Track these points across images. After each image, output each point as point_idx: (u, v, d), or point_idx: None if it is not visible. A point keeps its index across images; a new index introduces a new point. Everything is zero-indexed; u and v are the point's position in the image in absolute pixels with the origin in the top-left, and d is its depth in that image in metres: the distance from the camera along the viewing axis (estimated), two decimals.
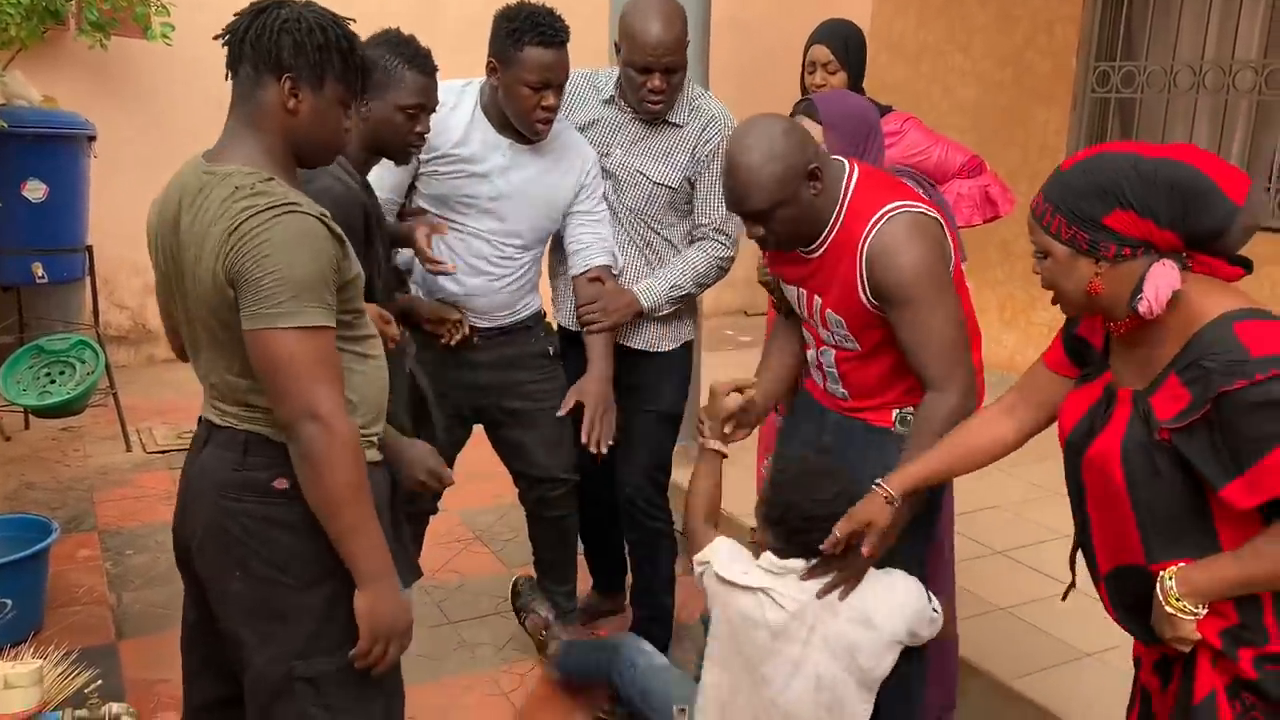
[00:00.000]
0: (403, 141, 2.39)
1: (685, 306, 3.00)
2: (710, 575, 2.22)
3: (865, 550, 2.06)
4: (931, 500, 2.29)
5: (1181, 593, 1.62)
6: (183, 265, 1.67)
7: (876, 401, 2.32)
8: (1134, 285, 1.59)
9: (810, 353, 2.43)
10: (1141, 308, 1.57)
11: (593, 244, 2.86)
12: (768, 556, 2.16)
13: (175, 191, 1.70)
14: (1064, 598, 1.98)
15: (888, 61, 6.60)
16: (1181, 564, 1.63)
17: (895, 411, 2.31)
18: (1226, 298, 1.58)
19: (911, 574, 2.21)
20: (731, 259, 2.93)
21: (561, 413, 2.80)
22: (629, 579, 3.38)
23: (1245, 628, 1.65)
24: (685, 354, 3.03)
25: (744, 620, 2.16)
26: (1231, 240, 1.57)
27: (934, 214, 2.18)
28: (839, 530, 2.05)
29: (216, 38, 1.73)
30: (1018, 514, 4.02)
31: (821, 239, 2.20)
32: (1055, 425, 1.87)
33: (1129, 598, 1.74)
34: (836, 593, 2.11)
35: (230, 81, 1.73)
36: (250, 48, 1.67)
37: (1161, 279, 1.56)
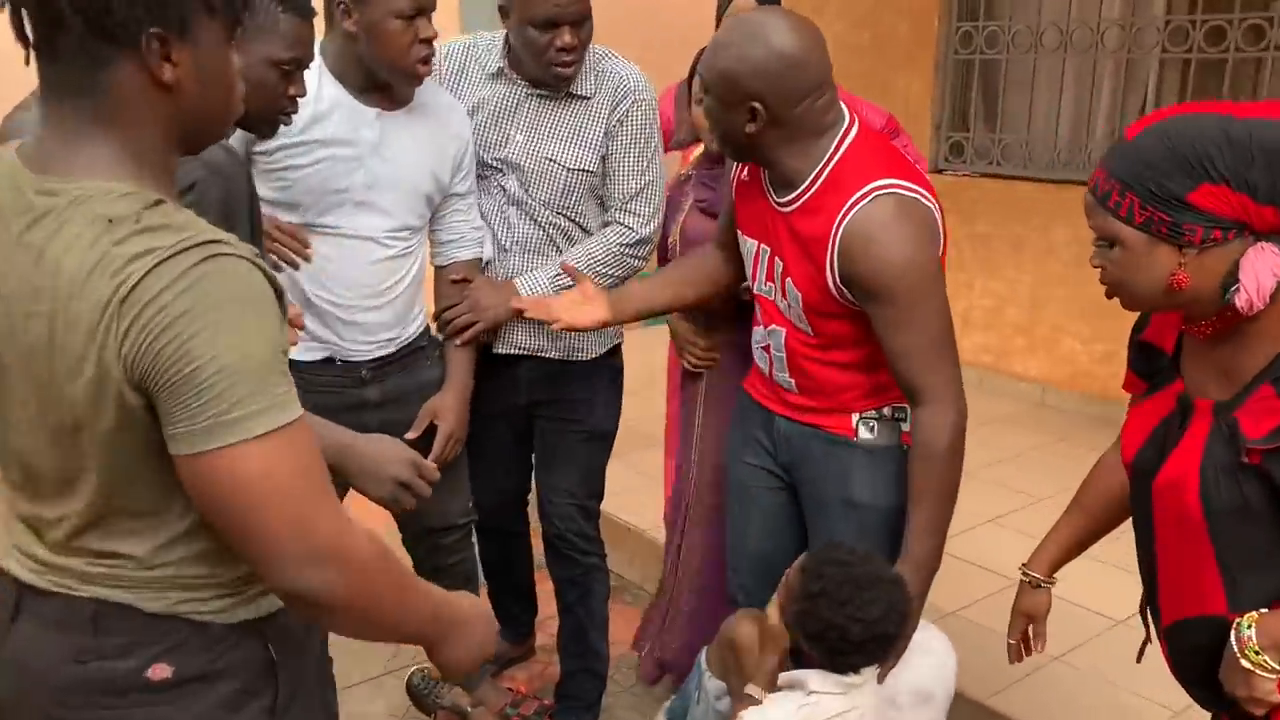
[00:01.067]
0: (274, 107, 1.83)
1: None
2: None
3: (1040, 648, 1.89)
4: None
5: (1262, 645, 1.35)
6: (9, 324, 1.09)
7: (830, 402, 2.00)
8: (1224, 275, 1.32)
9: (757, 331, 2.08)
10: (1239, 301, 1.31)
11: (466, 234, 2.37)
12: (818, 678, 1.82)
13: None
14: (1139, 658, 1.71)
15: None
16: (1261, 611, 1.36)
17: (855, 417, 1.99)
18: None
19: None
20: (644, 244, 2.45)
21: (412, 434, 2.24)
22: (538, 618, 3.02)
23: None
24: (613, 359, 2.60)
25: None
26: None
27: (927, 196, 1.84)
28: (1011, 639, 1.88)
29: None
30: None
31: (800, 190, 1.87)
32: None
33: (1191, 655, 1.46)
34: (898, 687, 1.87)
35: (39, 63, 1.10)
36: (70, 6, 1.04)
37: (1262, 266, 1.30)
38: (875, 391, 1.98)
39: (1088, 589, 3.13)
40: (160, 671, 1.14)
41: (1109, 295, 1.45)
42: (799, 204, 1.88)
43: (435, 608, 1.24)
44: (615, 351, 2.59)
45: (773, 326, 2.02)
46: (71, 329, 1.03)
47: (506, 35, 2.36)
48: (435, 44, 2.13)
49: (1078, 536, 1.81)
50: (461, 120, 2.33)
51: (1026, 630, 1.88)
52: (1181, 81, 4.73)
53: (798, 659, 2.15)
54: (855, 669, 1.81)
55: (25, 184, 1.09)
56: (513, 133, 2.36)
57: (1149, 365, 1.57)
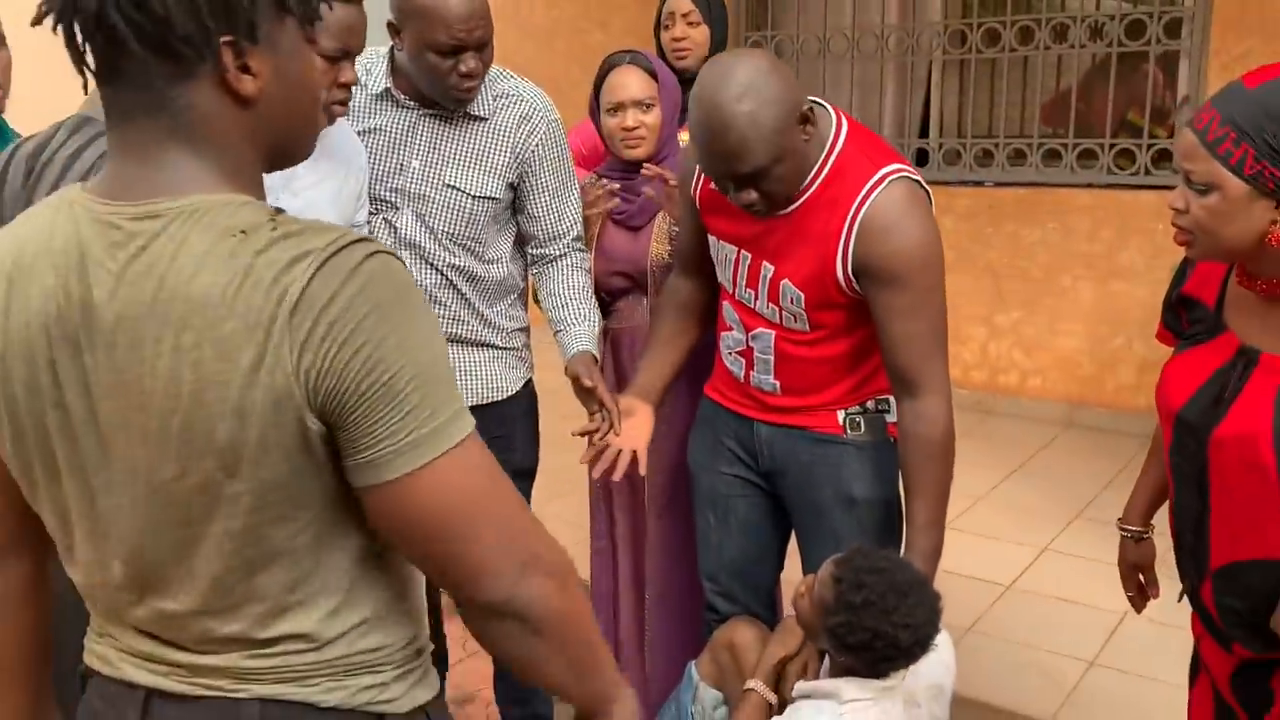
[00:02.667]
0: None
1: (525, 336, 2.46)
2: None
3: (1155, 594, 1.92)
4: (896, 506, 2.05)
5: None
6: (118, 383, 0.93)
7: (814, 400, 2.00)
8: None
9: (730, 336, 2.05)
10: None
11: None
12: (853, 687, 1.79)
13: (45, 251, 0.94)
14: (1179, 598, 1.80)
15: (516, 41, 6.23)
16: None
17: (841, 414, 2.01)
18: None
19: None
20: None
21: None
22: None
23: None
24: (529, 392, 2.50)
25: None
26: None
27: (924, 182, 1.89)
28: (1130, 592, 1.93)
29: (37, 22, 0.95)
30: None
31: (800, 191, 1.85)
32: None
33: (1241, 598, 1.53)
34: (917, 685, 1.82)
35: (101, 87, 0.96)
36: (127, 23, 0.90)
37: None
38: (858, 386, 2.00)
39: (975, 562, 3.35)
40: None
41: (1181, 241, 1.46)
42: (801, 202, 1.85)
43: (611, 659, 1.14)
44: (528, 383, 2.49)
45: (758, 330, 1.99)
46: (224, 356, 0.89)
47: (390, 51, 2.21)
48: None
49: (1159, 485, 1.84)
50: (359, 150, 2.17)
51: (1139, 581, 1.90)
52: (960, 81, 5.10)
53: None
54: (892, 672, 1.81)
55: (108, 215, 0.93)
56: (409, 160, 2.20)
57: (1183, 318, 1.62)
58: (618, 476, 2.11)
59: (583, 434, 2.16)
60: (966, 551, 3.40)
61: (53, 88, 1.73)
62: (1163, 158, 4.53)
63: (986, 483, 4.09)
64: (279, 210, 0.94)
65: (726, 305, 2.07)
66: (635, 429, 2.12)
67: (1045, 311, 4.89)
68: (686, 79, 2.71)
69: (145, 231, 0.92)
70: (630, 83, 2.33)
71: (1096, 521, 3.75)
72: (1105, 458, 4.33)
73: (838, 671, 1.85)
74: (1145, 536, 1.87)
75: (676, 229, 2.30)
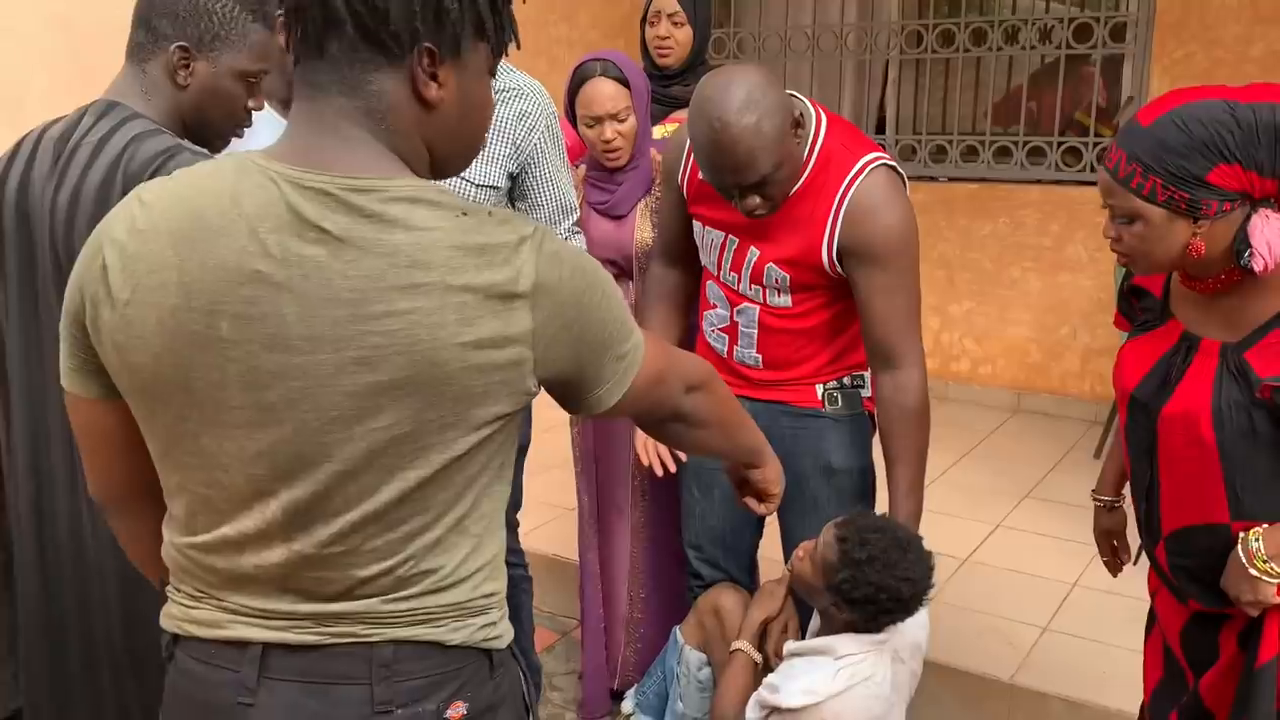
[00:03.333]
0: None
1: None
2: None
3: (1128, 558, 2.05)
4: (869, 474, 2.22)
5: (1270, 554, 1.58)
6: (322, 338, 0.98)
7: (793, 374, 2.14)
8: (1231, 239, 1.50)
9: (715, 314, 2.18)
10: (1256, 265, 1.48)
11: None
12: (848, 642, 1.93)
13: (232, 213, 1.00)
14: (1135, 560, 1.98)
15: None
16: (1263, 526, 1.60)
17: (820, 388, 2.15)
18: None
19: None
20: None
21: None
22: None
23: None
24: None
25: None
26: None
27: (899, 167, 2.05)
28: (1105, 557, 2.05)
29: None
30: None
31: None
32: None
33: (1192, 558, 1.70)
34: (902, 642, 1.97)
35: (299, 61, 1.05)
36: (349, 8, 0.99)
37: (1270, 232, 1.47)
38: (835, 359, 2.13)
39: (933, 537, 3.50)
40: (458, 709, 1.08)
41: (1124, 263, 1.64)
42: (791, 193, 1.98)
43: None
44: None
45: (743, 305, 2.11)
46: (464, 322, 0.99)
47: None
48: None
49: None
50: None
51: (1113, 545, 2.05)
52: (915, 79, 5.28)
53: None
54: (888, 627, 1.93)
55: (317, 182, 1.00)
56: None
57: (1134, 306, 1.78)
58: (671, 468, 2.30)
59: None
60: (924, 528, 3.55)
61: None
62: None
63: (941, 465, 4.27)
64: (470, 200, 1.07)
65: (711, 284, 2.19)
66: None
67: (995, 302, 5.09)
68: (666, 75, 2.84)
69: (363, 201, 0.99)
70: (604, 96, 2.43)
71: (1044, 500, 3.95)
72: (1052, 441, 4.54)
73: (834, 629, 1.97)
74: (1116, 505, 2.01)
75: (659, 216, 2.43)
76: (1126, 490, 1.91)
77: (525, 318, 1.02)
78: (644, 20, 2.84)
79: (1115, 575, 2.08)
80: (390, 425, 1.00)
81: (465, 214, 1.02)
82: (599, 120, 2.45)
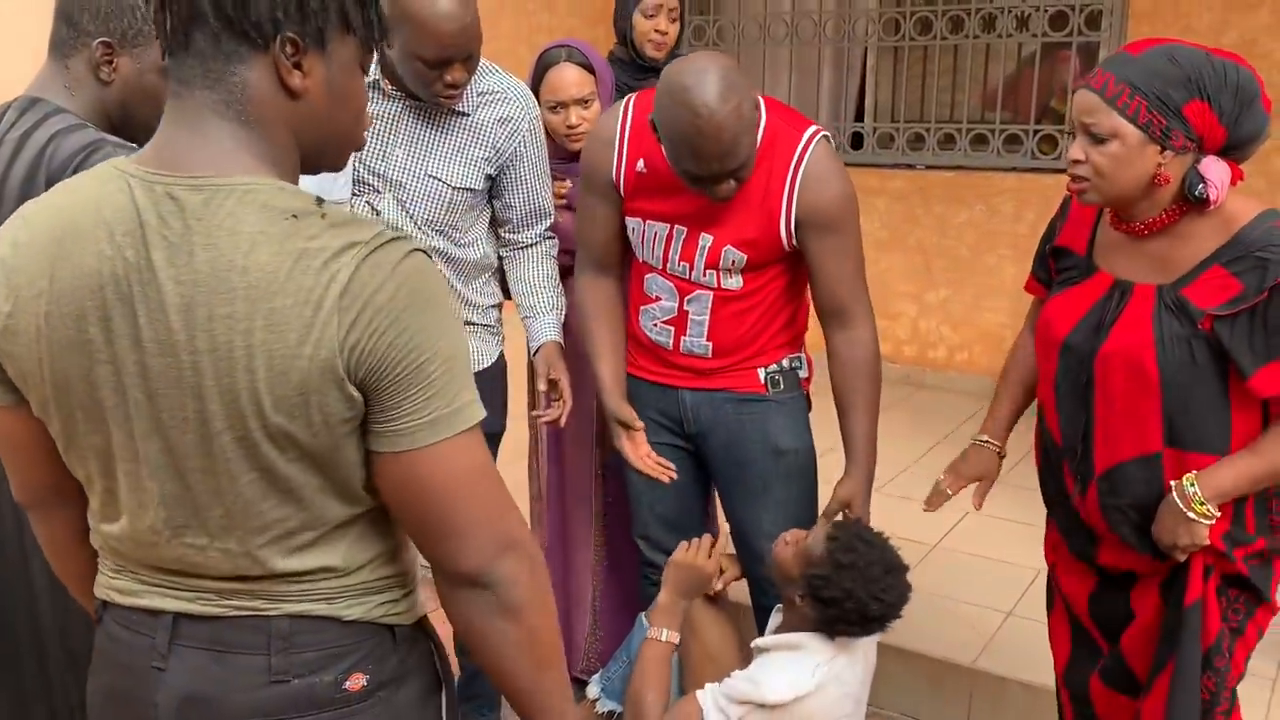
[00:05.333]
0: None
1: (499, 312, 2.58)
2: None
3: (978, 505, 2.20)
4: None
5: (1206, 496, 1.68)
6: (168, 341, 1.02)
7: (739, 357, 2.18)
8: (1181, 179, 1.63)
9: (658, 307, 2.20)
10: (1211, 195, 1.61)
11: None
12: (816, 642, 1.95)
13: (95, 220, 1.03)
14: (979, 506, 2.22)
15: None
16: (1194, 472, 1.70)
17: (762, 372, 2.20)
18: (1246, 200, 1.69)
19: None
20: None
21: None
22: None
23: (1235, 528, 1.76)
24: (501, 364, 2.63)
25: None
26: (1257, 141, 1.66)
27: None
28: (951, 490, 2.18)
29: None
30: None
31: None
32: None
33: (1124, 496, 1.78)
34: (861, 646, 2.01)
35: (169, 59, 1.07)
36: (210, 2, 1.02)
37: (1221, 171, 1.61)
38: (775, 337, 2.19)
39: (902, 524, 3.54)
40: (358, 681, 1.13)
41: (1078, 189, 1.72)
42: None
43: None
44: (501, 355, 2.62)
45: (695, 293, 2.14)
46: (275, 329, 0.99)
47: (382, 45, 2.30)
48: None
49: (1016, 408, 2.16)
50: None
51: (973, 487, 2.20)
52: (894, 67, 5.29)
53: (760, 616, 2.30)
54: (850, 637, 1.95)
55: (163, 184, 1.03)
56: (393, 148, 2.28)
57: (1052, 268, 1.90)
58: (665, 478, 2.26)
59: (539, 419, 2.39)
60: (895, 514, 3.58)
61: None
62: None
63: (915, 451, 4.30)
64: (321, 200, 1.06)
65: (651, 278, 2.19)
66: (645, 443, 2.27)
67: (972, 289, 5.12)
68: (645, 66, 2.84)
69: (198, 202, 1.01)
70: (569, 81, 2.45)
71: (1015, 486, 3.94)
72: (1026, 427, 4.56)
73: (794, 625, 1.99)
74: (1001, 453, 2.14)
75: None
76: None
77: (333, 323, 1.00)
78: (631, 11, 2.83)
79: (931, 509, 2.23)
80: (231, 429, 1.04)
81: (295, 217, 1.02)
82: (564, 105, 2.46)
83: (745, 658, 2.06)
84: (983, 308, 5.09)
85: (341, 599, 1.12)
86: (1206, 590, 1.77)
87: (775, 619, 2.14)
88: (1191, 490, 1.68)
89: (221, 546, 1.09)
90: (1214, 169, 1.62)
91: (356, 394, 1.03)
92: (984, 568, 3.30)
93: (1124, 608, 1.88)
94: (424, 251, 1.07)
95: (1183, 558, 1.74)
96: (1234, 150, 1.65)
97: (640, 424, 2.25)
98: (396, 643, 1.17)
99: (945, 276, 5.17)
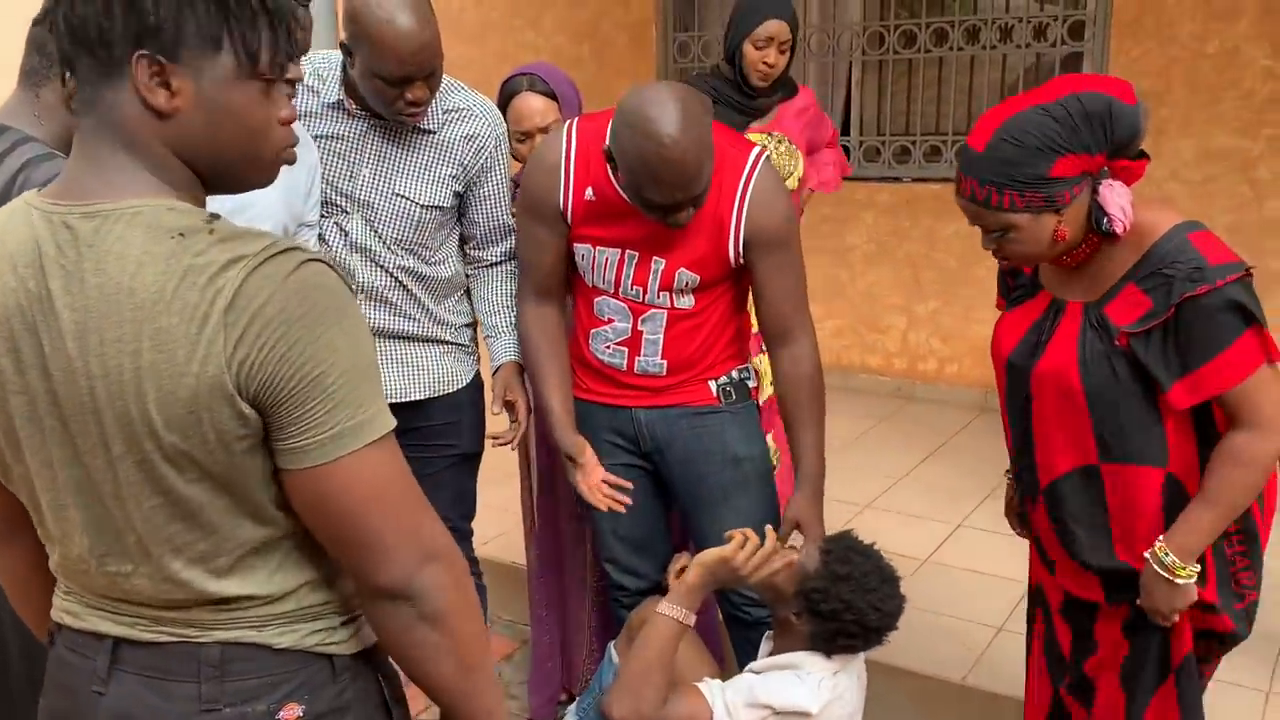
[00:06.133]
0: None
1: (472, 331, 2.57)
2: None
3: None
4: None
5: (1183, 560, 1.67)
6: (69, 368, 1.01)
7: (692, 372, 2.20)
8: (1086, 215, 1.66)
9: (610, 329, 2.19)
10: (1118, 229, 1.64)
11: None
12: (816, 661, 1.93)
13: (1, 253, 1.04)
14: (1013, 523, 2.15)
15: (447, 41, 6.21)
16: (1159, 540, 1.70)
17: (713, 384, 2.23)
18: (1165, 212, 1.70)
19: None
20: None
21: None
22: None
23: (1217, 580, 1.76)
24: (477, 382, 2.61)
25: None
26: (1141, 137, 1.67)
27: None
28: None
29: (37, 23, 1.10)
30: None
31: None
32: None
33: (1066, 507, 1.80)
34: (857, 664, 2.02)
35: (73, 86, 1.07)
36: (65, 21, 1.02)
37: (1119, 197, 1.64)
38: (725, 349, 2.21)
39: (893, 538, 3.53)
40: (293, 711, 1.11)
41: (1007, 267, 1.81)
42: None
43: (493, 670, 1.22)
44: (476, 374, 2.60)
45: (648, 314, 2.14)
46: (160, 348, 0.98)
47: (343, 64, 2.28)
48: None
49: None
50: (308, 146, 2.24)
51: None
52: (879, 80, 5.30)
53: (738, 638, 2.27)
54: (848, 653, 1.94)
55: (60, 214, 1.03)
56: (359, 168, 2.28)
57: (1010, 286, 1.94)
58: (626, 503, 2.22)
59: (495, 440, 2.41)
60: (886, 529, 3.59)
61: None
62: None
63: (906, 464, 4.29)
64: (215, 215, 1.03)
65: (602, 300, 2.18)
66: (592, 459, 2.25)
67: (961, 301, 5.11)
68: (758, 95, 2.93)
69: (89, 230, 1.01)
70: (533, 110, 2.46)
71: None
72: None
73: (788, 646, 1.97)
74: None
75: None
76: None
77: (219, 339, 0.98)
78: (741, 38, 2.88)
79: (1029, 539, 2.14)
80: (131, 453, 1.03)
81: (181, 235, 1.00)
82: (528, 135, 2.47)
83: (714, 674, 2.05)
84: (972, 320, 5.07)
85: (271, 626, 1.11)
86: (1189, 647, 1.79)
87: (766, 646, 2.12)
88: (1170, 560, 1.68)
89: (144, 571, 1.08)
90: (1111, 200, 1.64)
91: (249, 410, 1.00)
92: (974, 582, 3.28)
93: (1090, 638, 1.89)
94: (323, 262, 1.05)
95: (1176, 619, 1.74)
96: (1125, 150, 1.65)
97: (585, 457, 2.23)
98: (336, 672, 1.15)
99: (934, 289, 5.16)
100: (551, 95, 2.47)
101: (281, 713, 1.10)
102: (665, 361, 2.17)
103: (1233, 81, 4.37)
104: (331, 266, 1.06)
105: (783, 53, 2.89)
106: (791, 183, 2.84)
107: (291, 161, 1.22)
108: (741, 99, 2.91)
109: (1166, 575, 1.68)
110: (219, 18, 1.03)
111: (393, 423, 1.08)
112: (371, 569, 1.07)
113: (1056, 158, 1.60)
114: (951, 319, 5.15)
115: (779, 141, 2.88)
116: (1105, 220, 1.64)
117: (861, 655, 2.04)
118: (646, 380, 2.20)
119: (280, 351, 0.99)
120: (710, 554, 2.02)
